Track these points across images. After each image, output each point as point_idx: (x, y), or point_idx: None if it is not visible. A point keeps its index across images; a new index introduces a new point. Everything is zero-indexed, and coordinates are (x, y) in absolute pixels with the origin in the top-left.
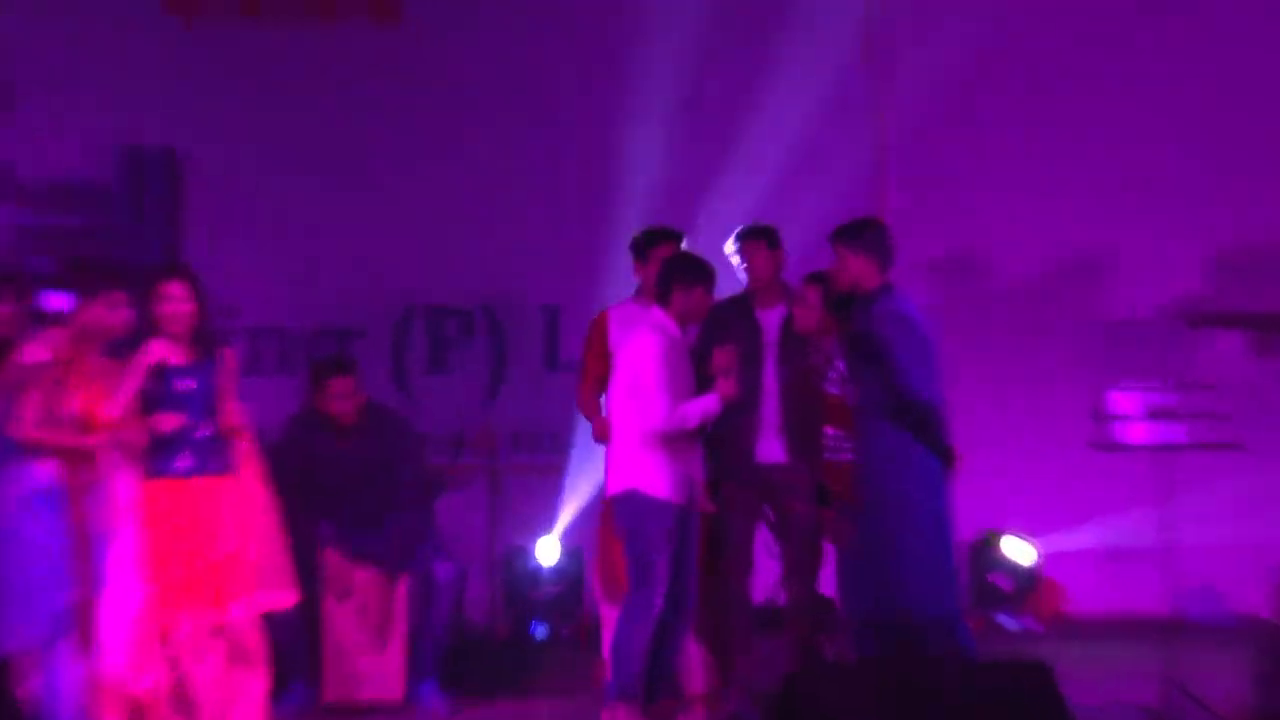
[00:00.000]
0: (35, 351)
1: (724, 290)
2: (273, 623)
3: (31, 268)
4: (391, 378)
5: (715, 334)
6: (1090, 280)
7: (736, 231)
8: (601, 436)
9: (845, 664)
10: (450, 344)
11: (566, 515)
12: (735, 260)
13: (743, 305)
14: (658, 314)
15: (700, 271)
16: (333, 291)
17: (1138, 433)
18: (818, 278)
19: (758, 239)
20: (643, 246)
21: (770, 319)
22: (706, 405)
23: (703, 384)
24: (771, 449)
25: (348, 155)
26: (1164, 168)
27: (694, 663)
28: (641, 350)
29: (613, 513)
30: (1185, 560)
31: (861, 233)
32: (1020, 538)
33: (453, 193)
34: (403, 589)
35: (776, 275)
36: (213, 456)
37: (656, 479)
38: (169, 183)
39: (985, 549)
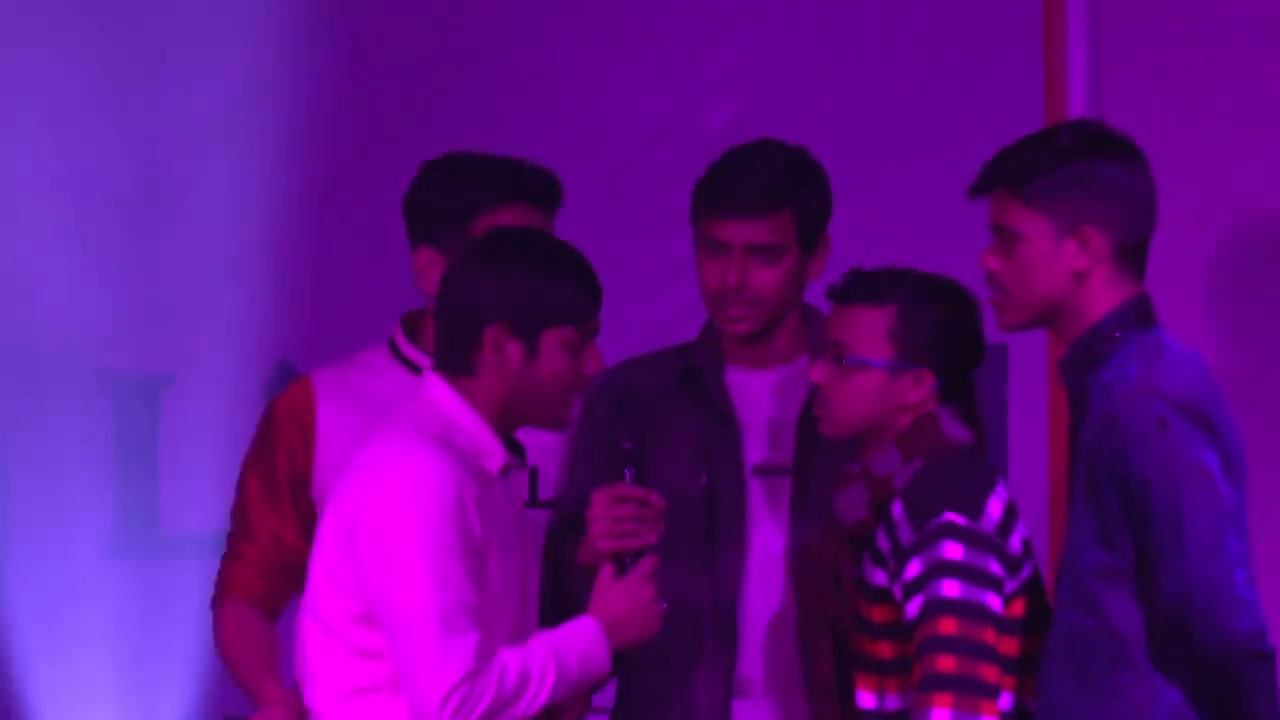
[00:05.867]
0: None
1: (658, 326)
2: None
3: None
4: None
5: (621, 441)
6: None
7: (702, 187)
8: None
9: None
10: None
11: None
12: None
13: (693, 370)
14: (435, 393)
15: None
16: None
17: None
18: (883, 285)
19: (748, 212)
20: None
21: (764, 400)
22: (578, 639)
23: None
24: None
25: None
26: None
27: None
28: (386, 502)
29: None
30: None
31: (1067, 160)
32: None
33: None
34: None
35: (792, 299)
36: None
37: None
38: None
39: None
